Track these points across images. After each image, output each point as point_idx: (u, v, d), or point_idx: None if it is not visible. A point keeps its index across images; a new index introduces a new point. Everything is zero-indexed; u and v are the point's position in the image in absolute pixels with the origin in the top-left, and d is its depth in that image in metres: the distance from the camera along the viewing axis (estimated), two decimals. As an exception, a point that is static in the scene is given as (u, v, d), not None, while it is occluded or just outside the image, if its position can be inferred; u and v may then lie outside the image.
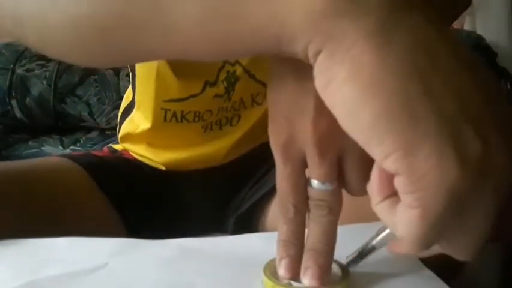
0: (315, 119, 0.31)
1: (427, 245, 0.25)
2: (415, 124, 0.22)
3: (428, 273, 0.36)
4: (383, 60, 0.23)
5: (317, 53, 0.24)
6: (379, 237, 0.33)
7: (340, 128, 0.30)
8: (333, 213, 0.32)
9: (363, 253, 0.34)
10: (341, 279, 0.34)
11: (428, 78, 0.23)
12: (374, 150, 0.24)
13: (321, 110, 0.30)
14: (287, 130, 0.32)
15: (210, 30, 0.26)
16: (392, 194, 0.25)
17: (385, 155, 0.23)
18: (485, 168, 0.23)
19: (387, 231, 0.32)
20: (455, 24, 1.65)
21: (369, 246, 0.33)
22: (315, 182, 0.32)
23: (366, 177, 0.28)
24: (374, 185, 0.26)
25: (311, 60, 0.25)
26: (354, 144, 0.31)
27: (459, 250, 0.27)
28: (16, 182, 0.53)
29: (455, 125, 0.23)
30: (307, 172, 0.32)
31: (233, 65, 0.63)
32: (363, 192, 0.30)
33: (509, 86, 1.44)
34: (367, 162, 0.28)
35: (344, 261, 0.35)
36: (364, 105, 0.23)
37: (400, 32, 0.23)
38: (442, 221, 0.24)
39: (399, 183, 0.24)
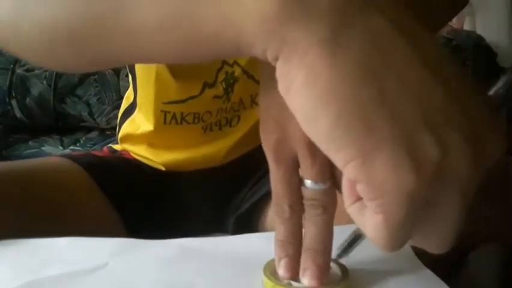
0: None
1: (397, 247, 0.25)
2: (370, 132, 0.22)
3: (428, 273, 0.36)
4: (336, 67, 0.22)
5: (275, 59, 0.24)
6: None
7: None
8: (328, 213, 0.32)
9: (351, 242, 0.34)
10: (341, 279, 0.34)
11: (382, 82, 0.22)
12: (333, 158, 0.23)
13: None
14: (278, 131, 0.32)
15: (169, 34, 0.26)
16: (360, 198, 0.26)
17: (343, 163, 0.23)
18: (443, 172, 0.22)
19: None
20: (455, 24, 1.65)
21: (357, 235, 0.33)
22: (308, 182, 0.32)
23: None
24: (344, 188, 0.27)
25: (272, 64, 0.25)
26: None
27: (432, 244, 0.27)
28: (16, 182, 0.53)
29: (410, 130, 0.22)
30: (300, 172, 0.32)
31: (232, 65, 0.63)
32: None
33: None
34: None
35: (343, 261, 0.35)
36: (320, 113, 0.23)
37: (353, 35, 0.23)
38: (406, 224, 0.24)
39: (360, 190, 0.24)
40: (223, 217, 0.69)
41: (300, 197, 0.33)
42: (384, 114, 0.22)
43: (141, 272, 0.37)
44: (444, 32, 1.45)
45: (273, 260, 0.35)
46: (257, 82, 0.65)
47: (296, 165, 0.32)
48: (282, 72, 0.24)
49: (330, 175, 0.32)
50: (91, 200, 0.61)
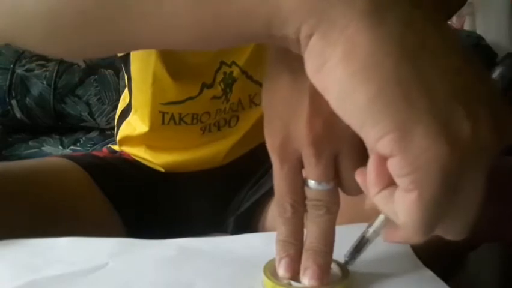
0: (310, 120, 0.31)
1: (430, 230, 0.25)
2: (409, 105, 0.22)
3: (428, 273, 0.36)
4: (377, 41, 0.23)
5: (309, 36, 0.24)
6: (371, 229, 0.33)
7: (335, 128, 0.30)
8: (331, 213, 0.32)
9: (358, 247, 0.34)
10: (341, 279, 0.34)
11: (418, 59, 0.23)
12: (369, 132, 0.23)
13: (316, 111, 0.30)
14: (283, 131, 0.32)
15: (196, 12, 0.25)
16: (389, 184, 0.26)
17: (380, 136, 0.23)
18: (475, 147, 0.23)
19: (378, 222, 0.32)
20: (455, 24, 1.65)
21: (363, 240, 0.33)
22: (311, 182, 0.32)
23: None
24: (371, 175, 0.26)
25: (302, 43, 0.25)
26: (350, 144, 0.31)
27: (452, 230, 0.27)
28: (16, 182, 0.53)
29: (446, 106, 0.23)
30: (304, 172, 0.32)
31: (230, 66, 0.63)
32: (359, 191, 0.30)
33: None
34: (362, 162, 0.28)
35: (343, 261, 0.35)
36: (359, 87, 0.23)
37: (392, 12, 0.23)
38: (439, 202, 0.24)
39: (394, 165, 0.24)
40: (223, 217, 0.69)
41: (303, 198, 0.33)
42: (421, 89, 0.23)
43: (141, 272, 0.37)
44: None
45: (273, 260, 0.35)
46: (256, 82, 0.65)
47: (300, 165, 0.32)
48: (314, 50, 0.24)
49: (334, 175, 0.32)
50: (90, 200, 0.61)
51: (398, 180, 0.24)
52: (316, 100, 0.30)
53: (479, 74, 0.25)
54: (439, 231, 0.27)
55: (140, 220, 0.64)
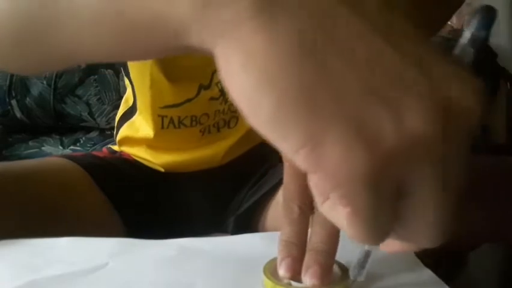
0: None
1: (379, 238, 0.22)
2: (315, 113, 0.19)
3: (428, 273, 0.36)
4: (271, 44, 0.20)
5: (212, 45, 0.22)
6: None
7: None
8: None
9: (363, 262, 0.32)
10: (341, 279, 0.34)
11: (322, 55, 0.20)
12: (282, 149, 0.21)
13: None
14: None
15: (102, 27, 0.25)
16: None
17: (293, 152, 0.20)
18: (405, 143, 0.19)
19: None
20: (455, 25, 1.65)
21: (367, 253, 0.32)
22: None
23: None
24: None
25: (211, 53, 0.22)
26: None
27: (418, 237, 0.23)
28: (16, 182, 0.53)
29: (359, 105, 0.19)
30: None
31: None
32: None
33: (509, 86, 1.44)
34: None
35: (343, 261, 0.35)
36: (261, 99, 0.20)
37: (286, 7, 0.20)
38: (379, 213, 0.21)
39: (314, 184, 0.21)
40: (223, 217, 0.69)
41: (311, 200, 0.32)
42: (328, 92, 0.19)
43: (141, 272, 0.37)
44: (444, 32, 1.45)
45: (273, 260, 0.35)
46: None
47: None
48: (219, 59, 0.21)
49: None
50: (91, 200, 0.61)
51: (330, 196, 0.21)
52: None
53: (424, 54, 0.21)
54: (406, 240, 0.24)
55: (140, 220, 0.64)
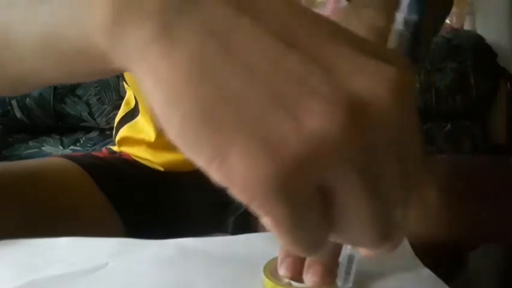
0: None
1: (312, 247, 0.22)
2: (218, 128, 0.20)
3: (428, 273, 0.36)
4: (173, 67, 0.20)
5: (130, 68, 0.22)
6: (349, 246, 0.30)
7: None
8: None
9: (346, 267, 0.31)
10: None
11: (222, 70, 0.20)
12: (196, 162, 0.21)
13: None
14: None
15: (43, 55, 0.27)
16: None
17: (205, 167, 0.20)
18: (310, 147, 0.19)
19: None
20: (455, 24, 1.65)
21: (350, 258, 0.30)
22: None
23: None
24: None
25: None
26: None
27: (360, 241, 0.22)
28: (16, 182, 0.53)
29: (259, 114, 0.19)
30: None
31: None
32: None
33: (509, 86, 1.44)
34: None
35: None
36: (171, 115, 0.20)
37: (186, 28, 0.21)
38: (303, 221, 0.20)
39: (234, 196, 0.21)
40: (223, 217, 0.69)
41: None
42: (228, 109, 0.20)
43: (141, 272, 0.37)
44: (444, 32, 1.45)
45: (273, 260, 0.35)
46: None
47: None
48: (137, 79, 0.22)
49: None
50: (90, 200, 0.61)
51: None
52: None
53: (331, 51, 0.20)
54: (349, 243, 0.23)
55: (140, 220, 0.64)
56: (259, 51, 0.20)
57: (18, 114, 1.32)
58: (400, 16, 0.24)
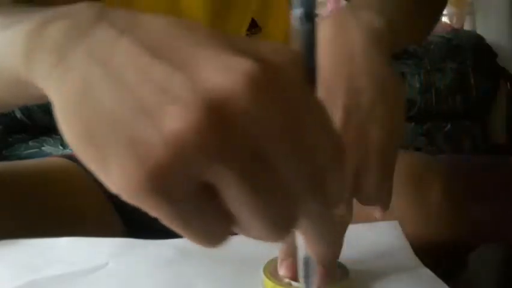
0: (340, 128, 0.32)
1: (212, 241, 0.24)
2: (96, 145, 0.22)
3: (428, 273, 0.36)
4: (61, 95, 0.23)
5: (45, 92, 0.26)
6: (302, 249, 0.29)
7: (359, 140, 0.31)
8: (344, 224, 0.32)
9: (305, 271, 0.29)
10: (341, 279, 0.34)
11: (100, 94, 0.22)
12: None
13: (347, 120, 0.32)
14: None
15: None
16: None
17: (103, 181, 0.22)
18: (171, 152, 0.20)
19: (300, 239, 0.28)
20: (455, 24, 1.65)
21: (303, 261, 0.29)
22: None
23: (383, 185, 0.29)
24: None
25: None
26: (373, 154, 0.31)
27: (260, 235, 0.23)
28: (16, 182, 0.53)
29: (129, 128, 0.21)
30: None
31: None
32: (378, 199, 0.30)
33: (509, 86, 1.44)
34: (386, 171, 0.30)
35: (343, 261, 0.35)
36: (67, 136, 0.23)
37: (78, 56, 0.23)
38: (190, 217, 0.22)
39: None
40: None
41: None
42: (104, 125, 0.21)
43: (141, 272, 0.37)
44: (444, 32, 1.45)
45: (273, 260, 0.35)
46: None
47: None
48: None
49: (349, 185, 0.32)
50: (91, 200, 0.61)
51: None
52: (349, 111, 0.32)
53: (201, 55, 0.21)
54: (252, 238, 0.24)
55: (140, 220, 0.64)
56: (132, 67, 0.22)
57: (18, 114, 1.32)
58: (296, 12, 0.24)
